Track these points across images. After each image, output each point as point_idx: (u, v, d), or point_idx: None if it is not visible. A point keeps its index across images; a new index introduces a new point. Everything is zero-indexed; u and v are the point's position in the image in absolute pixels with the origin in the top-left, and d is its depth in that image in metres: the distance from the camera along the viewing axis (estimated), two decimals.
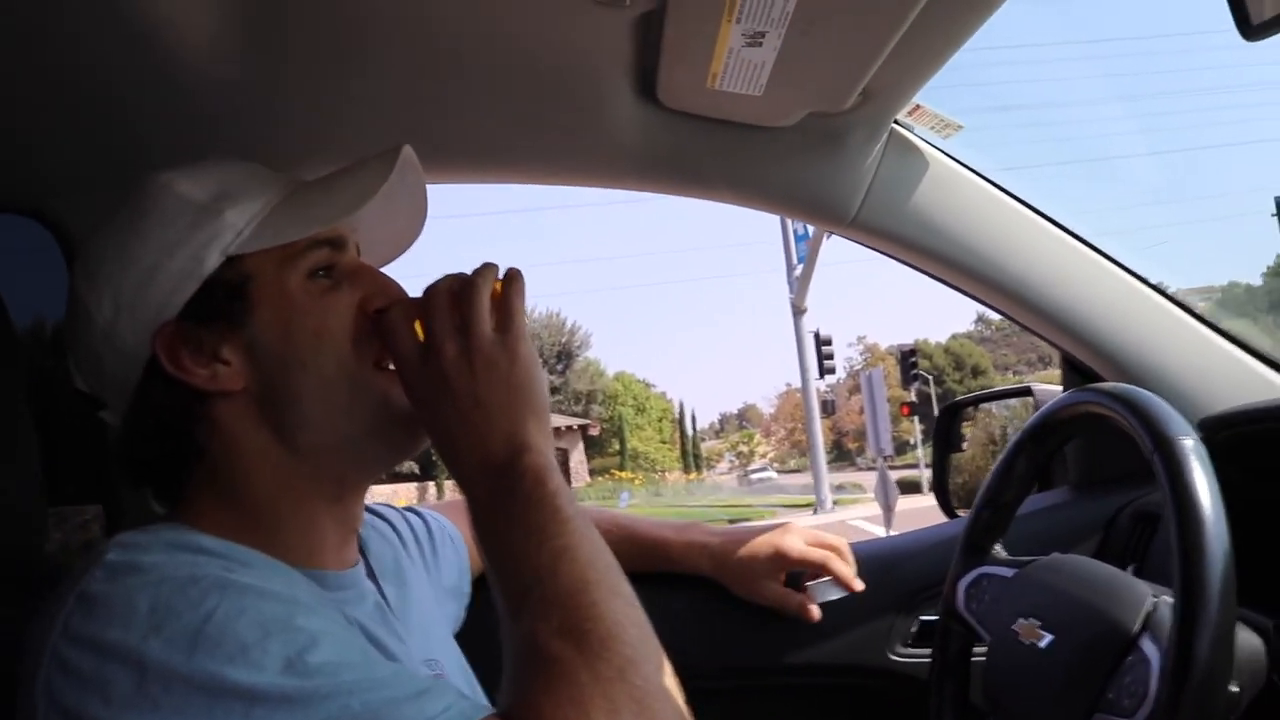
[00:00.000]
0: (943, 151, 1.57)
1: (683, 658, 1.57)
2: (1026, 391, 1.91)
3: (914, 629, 1.62)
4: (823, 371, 21.34)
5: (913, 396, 33.48)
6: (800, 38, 1.16)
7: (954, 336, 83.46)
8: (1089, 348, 1.60)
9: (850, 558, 1.52)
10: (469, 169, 1.58)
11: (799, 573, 1.53)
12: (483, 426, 0.86)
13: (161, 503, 0.96)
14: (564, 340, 47.34)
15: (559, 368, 46.91)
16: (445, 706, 0.71)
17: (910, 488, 28.74)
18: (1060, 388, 1.74)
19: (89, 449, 1.49)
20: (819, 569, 1.49)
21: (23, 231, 1.51)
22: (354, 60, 1.30)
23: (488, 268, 0.92)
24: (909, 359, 26.27)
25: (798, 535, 1.51)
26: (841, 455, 75.36)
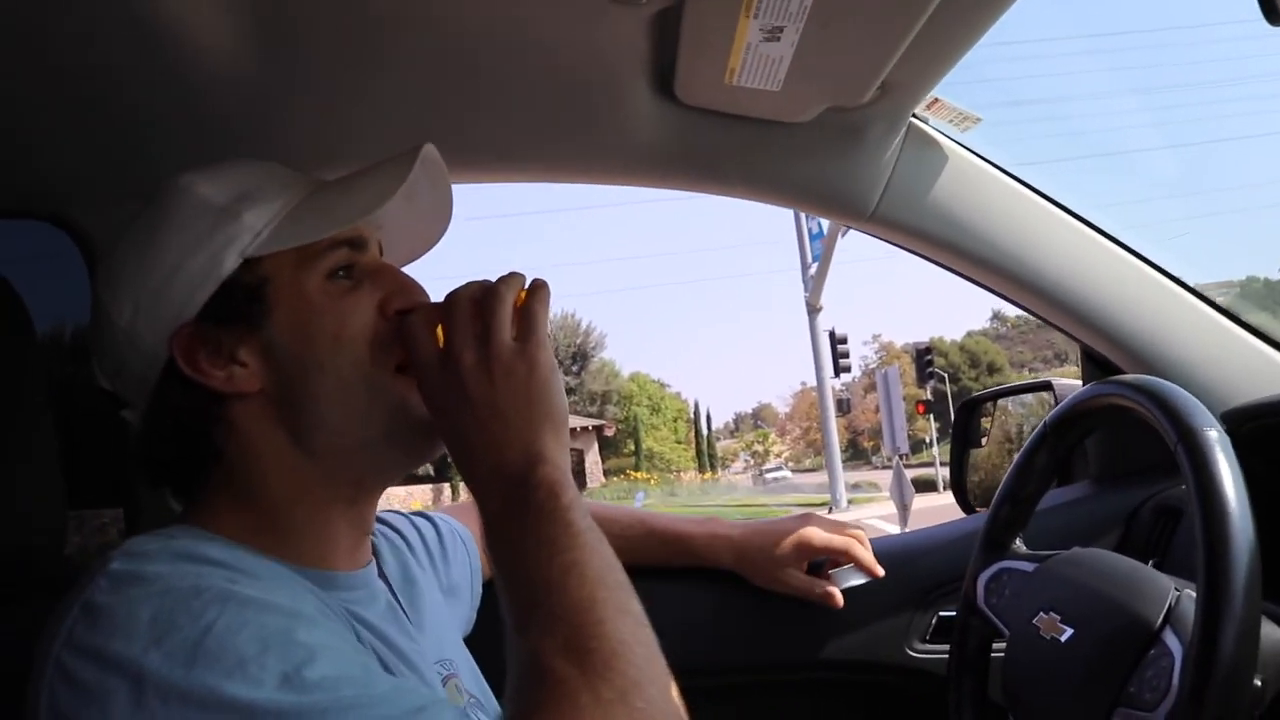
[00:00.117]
0: (961, 145, 1.56)
1: (702, 653, 1.60)
2: (1046, 386, 1.90)
3: (932, 625, 1.62)
4: (838, 370, 21.28)
5: (928, 395, 33.45)
6: (818, 32, 1.15)
7: (969, 334, 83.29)
8: (1109, 340, 1.59)
9: (868, 544, 1.53)
10: (485, 169, 1.58)
11: (819, 563, 1.53)
12: (499, 436, 0.85)
13: (180, 502, 0.96)
14: (579, 341, 47.33)
15: (574, 369, 46.91)
16: None
17: (926, 486, 28.67)
18: (1080, 383, 1.73)
19: (109, 453, 1.49)
20: (842, 555, 1.50)
21: (42, 237, 1.51)
22: (369, 61, 1.30)
23: (513, 277, 0.92)
24: (924, 357, 26.20)
25: (819, 524, 1.53)
26: (857, 454, 75.25)
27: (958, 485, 2.02)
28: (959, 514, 1.96)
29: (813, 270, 20.10)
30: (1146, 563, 1.19)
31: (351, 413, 0.92)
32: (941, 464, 35.52)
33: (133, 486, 1.50)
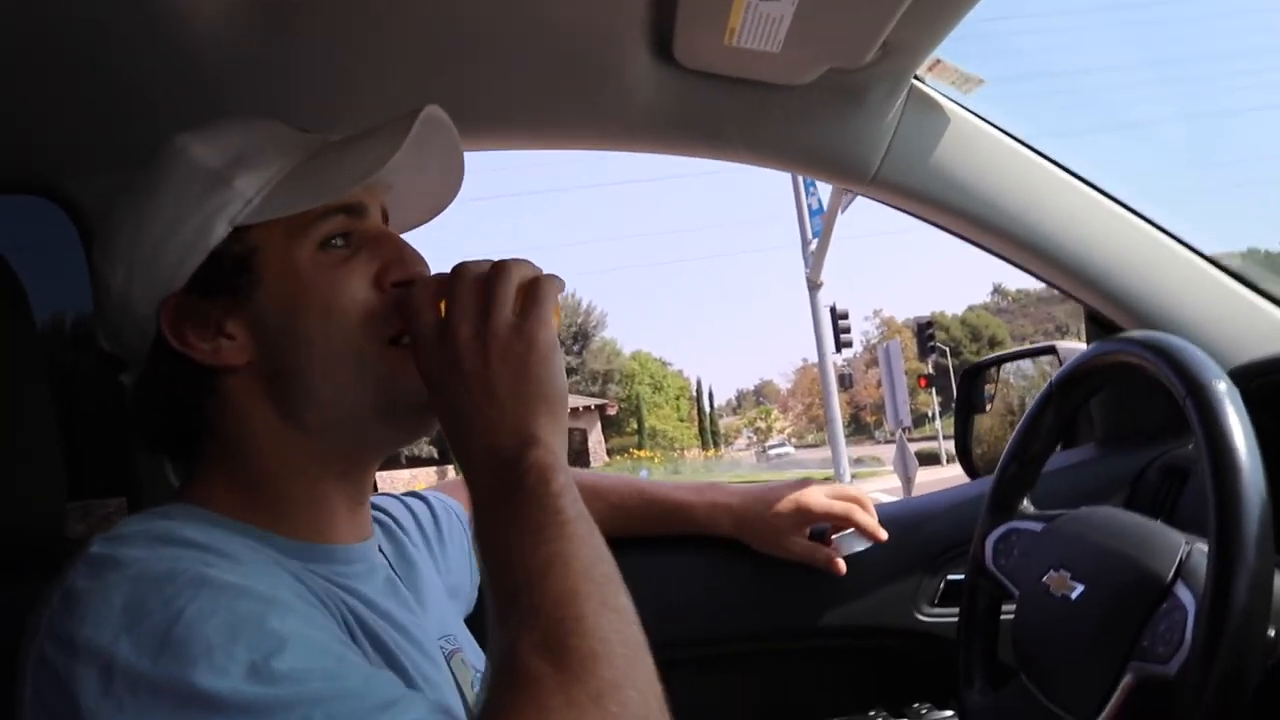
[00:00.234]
0: (963, 107, 1.55)
1: (708, 621, 1.60)
2: (1050, 350, 1.89)
3: (940, 588, 1.62)
4: (839, 345, 21.23)
5: (930, 369, 33.44)
6: None
7: (970, 308, 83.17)
8: (1113, 301, 1.58)
9: (872, 509, 1.53)
10: (484, 136, 1.57)
11: (822, 529, 1.53)
12: (492, 416, 0.82)
13: (179, 474, 0.95)
14: (580, 321, 47.33)
15: (575, 348, 46.92)
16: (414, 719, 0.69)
17: (929, 459, 28.74)
18: (1084, 346, 1.72)
19: (111, 441, 1.49)
20: (842, 521, 1.50)
21: (38, 216, 1.50)
22: (368, 29, 1.28)
23: (524, 261, 0.89)
24: (926, 331, 26.17)
25: (818, 490, 1.52)
26: (859, 429, 75.27)
27: (963, 450, 2.02)
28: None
29: (813, 246, 20.02)
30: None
31: (341, 387, 0.89)
32: (945, 438, 35.58)
33: (135, 475, 1.50)
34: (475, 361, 0.82)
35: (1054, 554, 1.17)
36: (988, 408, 2.07)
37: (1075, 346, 1.80)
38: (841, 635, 1.61)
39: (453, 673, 0.99)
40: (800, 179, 19.81)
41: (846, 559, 1.52)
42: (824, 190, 17.52)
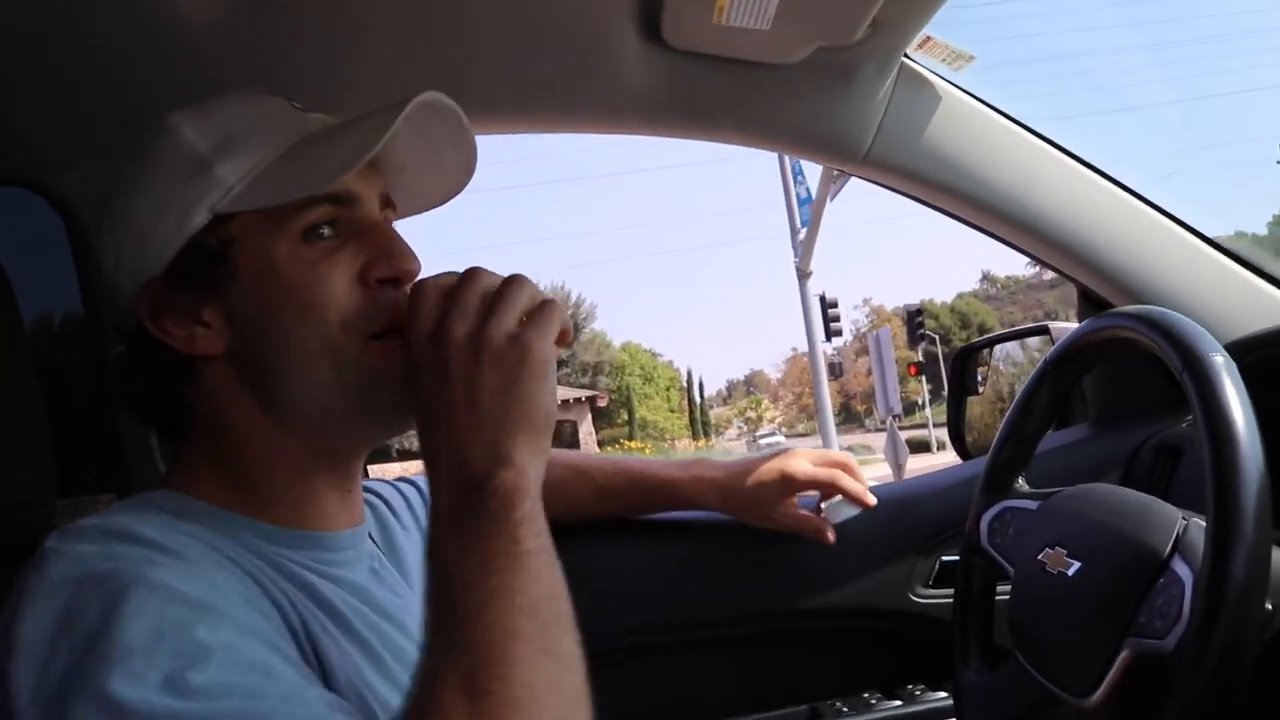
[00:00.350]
0: (954, 85, 1.55)
1: (701, 605, 1.59)
2: (1043, 330, 1.89)
3: (934, 570, 1.61)
4: (829, 334, 21.23)
5: (920, 356, 33.49)
6: None
7: (960, 295, 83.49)
8: (1106, 279, 1.58)
9: (859, 473, 1.51)
10: (472, 121, 1.55)
11: (812, 502, 1.52)
12: (469, 425, 0.77)
13: (168, 461, 0.95)
14: (570, 313, 46.99)
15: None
16: None
17: (919, 447, 28.78)
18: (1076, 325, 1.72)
19: (102, 438, 1.48)
20: (828, 487, 1.48)
21: (25, 211, 1.48)
22: (357, 15, 1.27)
23: (537, 291, 0.84)
24: (915, 319, 26.18)
25: (803, 457, 1.49)
26: (850, 418, 75.51)
27: (955, 433, 2.01)
28: None
29: (802, 235, 20.02)
30: None
31: (317, 384, 0.87)
32: (935, 426, 35.65)
33: (126, 471, 1.48)
34: (463, 364, 0.78)
35: (1050, 532, 1.16)
36: (980, 390, 2.06)
37: (1068, 327, 1.79)
38: (835, 617, 1.61)
39: None
40: (789, 168, 19.82)
41: (837, 528, 1.49)
42: (812, 179, 17.53)
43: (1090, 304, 1.69)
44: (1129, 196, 1.58)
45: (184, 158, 0.88)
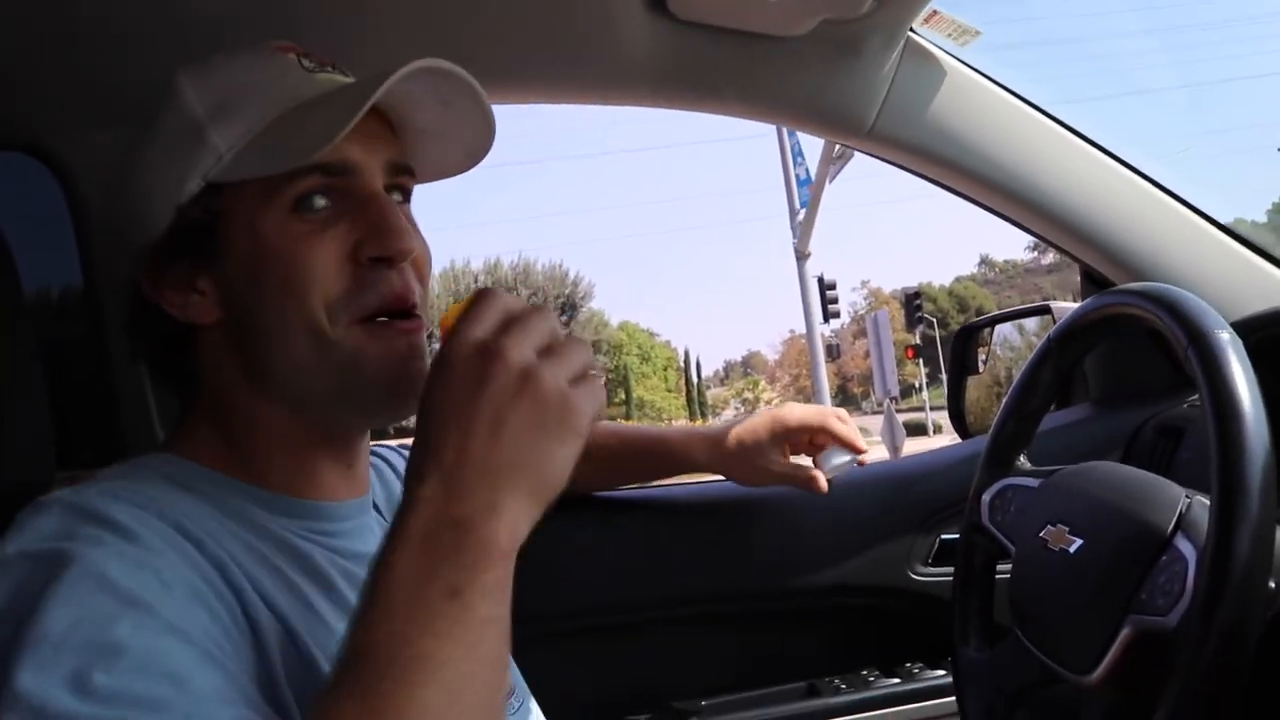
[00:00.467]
0: (960, 60, 1.53)
1: (701, 580, 1.59)
2: (1045, 310, 1.88)
3: (934, 548, 1.61)
4: (827, 316, 21.24)
5: (917, 339, 33.51)
6: None
7: (958, 279, 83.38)
8: (1109, 258, 1.58)
9: (850, 421, 1.46)
10: None
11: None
12: (476, 456, 0.68)
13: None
14: (567, 292, 47.15)
15: (563, 319, 46.71)
16: None
17: (916, 430, 28.83)
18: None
19: (101, 412, 1.47)
20: (819, 432, 1.43)
21: (27, 181, 1.47)
22: None
23: (593, 361, 0.76)
24: (913, 302, 26.26)
25: (793, 406, 1.47)
26: (847, 400, 75.49)
27: (955, 411, 2.01)
28: None
29: (801, 216, 20.01)
30: None
31: (300, 365, 0.84)
32: (932, 408, 35.70)
33: (124, 445, 1.48)
34: (507, 389, 0.69)
35: (1052, 509, 1.16)
36: (981, 369, 2.06)
37: (1069, 307, 1.79)
38: (834, 594, 1.61)
39: None
40: (788, 148, 19.77)
41: (833, 500, 1.46)
42: (812, 160, 17.50)
43: (1093, 284, 1.68)
44: (1133, 175, 1.57)
45: (182, 122, 0.86)
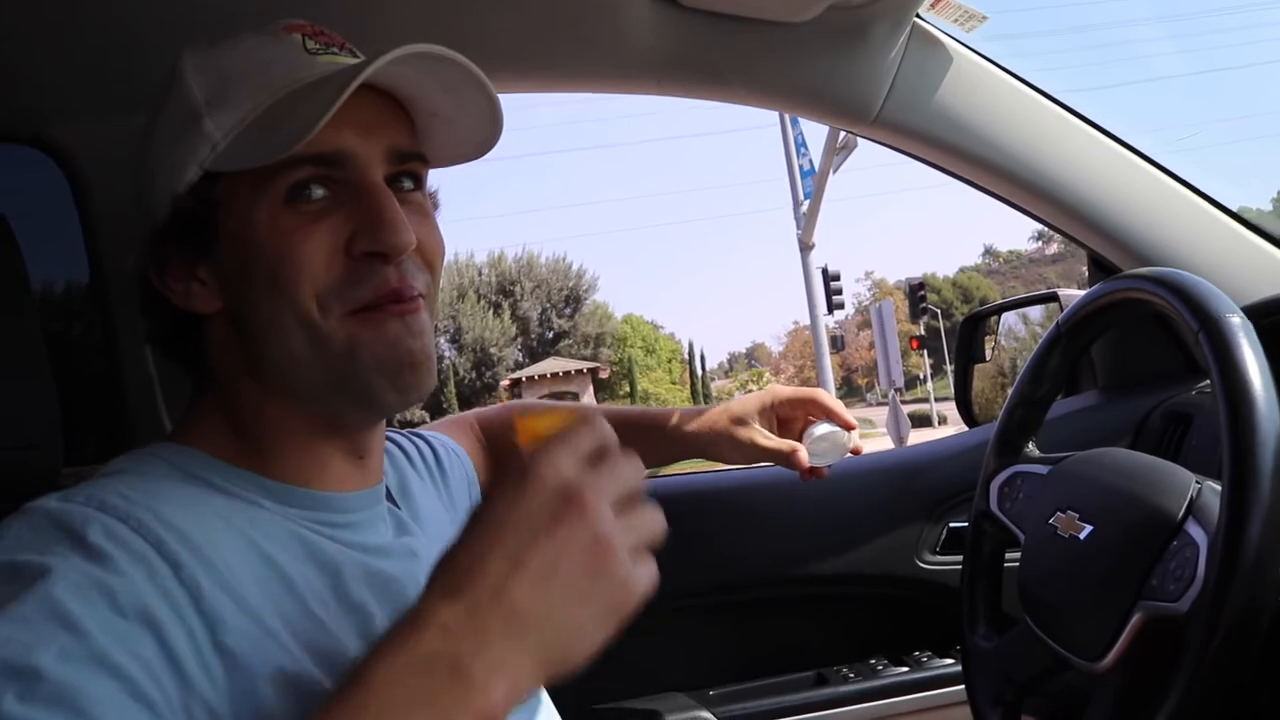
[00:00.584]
0: (966, 46, 1.53)
1: (709, 569, 1.59)
2: (1052, 297, 1.88)
3: (942, 536, 1.61)
4: (831, 307, 21.22)
5: (921, 330, 33.43)
6: None
7: (962, 270, 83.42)
8: (1117, 245, 1.57)
9: (837, 402, 1.41)
10: None
11: None
12: (508, 605, 0.62)
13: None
14: (572, 284, 47.06)
15: (567, 311, 46.70)
16: None
17: (921, 421, 28.78)
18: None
19: (108, 406, 1.47)
20: (808, 402, 1.39)
21: (31, 169, 1.47)
22: None
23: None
24: (918, 292, 26.15)
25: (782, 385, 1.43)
26: (851, 391, 75.50)
27: (962, 400, 2.00)
28: None
29: (804, 208, 19.98)
30: None
31: (293, 358, 0.83)
32: (936, 400, 35.65)
33: (129, 441, 1.47)
34: (572, 541, 0.64)
35: (1061, 495, 1.16)
36: (988, 357, 2.05)
37: (1076, 294, 1.78)
38: (842, 583, 1.60)
39: None
40: (792, 139, 19.72)
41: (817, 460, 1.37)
42: (816, 151, 17.45)
43: (1100, 270, 1.67)
44: (1141, 161, 1.56)
45: (182, 107, 0.85)
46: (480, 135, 0.93)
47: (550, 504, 0.64)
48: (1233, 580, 0.87)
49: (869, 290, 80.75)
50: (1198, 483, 1.00)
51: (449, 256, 0.94)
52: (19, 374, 0.99)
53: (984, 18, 1.49)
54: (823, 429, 1.35)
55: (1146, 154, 1.57)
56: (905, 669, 1.59)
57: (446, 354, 41.45)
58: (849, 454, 1.36)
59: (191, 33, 1.19)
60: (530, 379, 37.25)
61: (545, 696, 1.06)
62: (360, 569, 0.86)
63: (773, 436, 1.37)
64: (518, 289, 45.86)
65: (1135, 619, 0.97)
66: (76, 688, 0.60)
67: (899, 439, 14.40)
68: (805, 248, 20.25)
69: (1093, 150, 1.55)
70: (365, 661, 0.62)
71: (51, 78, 1.36)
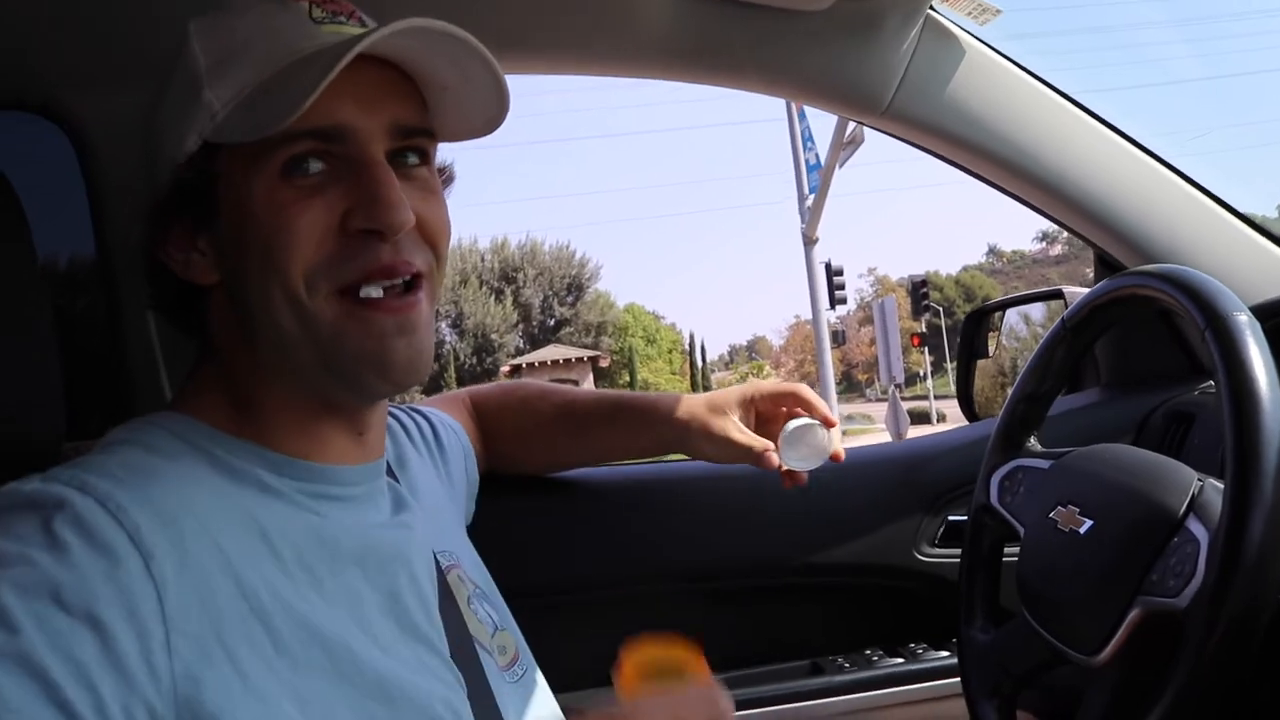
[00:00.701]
0: (979, 39, 1.52)
1: (707, 557, 1.59)
2: (1058, 294, 1.87)
3: (941, 529, 1.61)
4: (834, 302, 21.22)
5: (923, 328, 33.41)
6: None
7: (965, 268, 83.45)
8: (1124, 243, 1.57)
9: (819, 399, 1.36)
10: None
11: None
12: None
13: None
14: (574, 273, 47.07)
15: (569, 299, 46.73)
16: None
17: (920, 419, 28.76)
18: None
19: (112, 377, 1.46)
20: (790, 396, 1.34)
21: (38, 142, 1.46)
22: None
23: None
24: (920, 290, 26.14)
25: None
26: (851, 387, 75.58)
27: (964, 394, 2.00)
28: None
29: (809, 202, 19.96)
30: None
31: (282, 334, 0.83)
32: (936, 397, 35.64)
33: (132, 411, 1.47)
34: None
35: (1062, 490, 1.16)
36: (991, 353, 2.05)
37: (1082, 291, 1.78)
38: (840, 573, 1.60)
39: (450, 588, 0.98)
40: (799, 133, 19.69)
41: (805, 475, 1.33)
42: (822, 145, 17.44)
43: (1107, 268, 1.67)
44: (1150, 159, 1.56)
45: (187, 75, 0.84)
46: (489, 111, 0.91)
47: None
48: (1233, 577, 0.87)
49: (871, 286, 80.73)
50: (1200, 480, 1.00)
51: (452, 242, 0.93)
52: (22, 341, 0.99)
53: (997, 11, 1.48)
54: (799, 421, 1.30)
55: (1156, 152, 1.57)
56: (900, 660, 1.59)
57: (448, 339, 41.54)
58: (829, 459, 1.31)
59: (204, 2, 1.19)
60: (531, 365, 37.29)
61: (542, 680, 1.06)
62: (357, 543, 0.86)
63: (747, 431, 1.33)
64: (520, 276, 45.88)
65: (1133, 614, 0.97)
66: (11, 693, 0.60)
67: (898, 435, 14.41)
68: (809, 242, 20.22)
69: (1103, 147, 1.55)
70: None
71: (62, 46, 1.36)
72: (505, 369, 39.39)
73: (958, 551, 1.38)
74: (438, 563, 0.98)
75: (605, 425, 1.44)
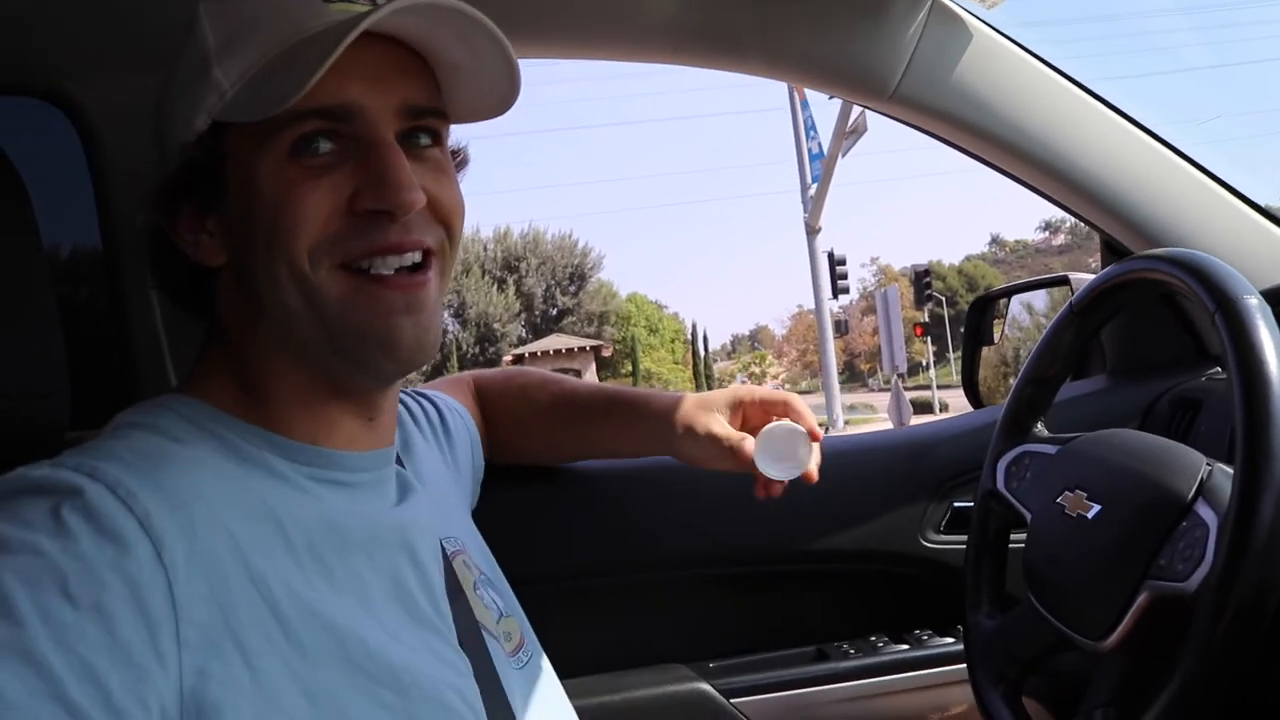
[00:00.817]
0: (986, 23, 1.51)
1: (713, 543, 1.59)
2: (1063, 281, 1.87)
3: (947, 515, 1.61)
4: (836, 291, 21.20)
5: (926, 317, 33.39)
6: None
7: (968, 258, 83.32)
8: (1131, 228, 1.56)
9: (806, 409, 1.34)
10: None
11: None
12: None
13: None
14: (577, 262, 47.04)
15: (571, 289, 46.73)
16: None
17: (922, 408, 28.75)
18: None
19: (114, 371, 1.46)
20: (778, 403, 1.31)
21: (42, 128, 1.45)
22: None
23: None
24: (923, 279, 26.13)
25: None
26: (853, 376, 75.59)
27: (969, 381, 2.00)
28: None
29: (812, 191, 19.96)
30: None
31: (288, 311, 0.82)
32: (939, 387, 35.64)
33: (137, 397, 1.47)
34: None
35: (1070, 475, 1.15)
36: (996, 340, 2.05)
37: (1088, 278, 1.77)
38: (845, 560, 1.60)
39: (456, 575, 0.97)
40: (802, 122, 19.67)
41: (780, 485, 1.31)
42: (825, 134, 17.42)
43: (1113, 254, 1.66)
44: (1158, 144, 1.55)
45: (196, 54, 0.84)
46: (500, 89, 0.90)
47: None
48: (1243, 560, 0.87)
49: (874, 276, 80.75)
50: (1208, 464, 1.00)
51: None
52: (27, 327, 0.98)
53: None
54: (784, 423, 1.27)
55: (1164, 137, 1.56)
56: (906, 646, 1.58)
57: (450, 328, 41.55)
58: (801, 476, 1.27)
59: None
60: (533, 355, 37.28)
61: (547, 665, 1.06)
62: (366, 531, 0.86)
63: (729, 427, 1.30)
64: (523, 265, 45.87)
65: (1141, 598, 0.97)
66: (12, 699, 0.59)
67: (901, 424, 14.40)
68: (812, 231, 20.23)
69: (1111, 132, 1.54)
70: None
71: (68, 31, 1.35)
72: (508, 358, 39.39)
73: (963, 538, 1.37)
74: (444, 549, 0.98)
75: (600, 417, 1.42)
